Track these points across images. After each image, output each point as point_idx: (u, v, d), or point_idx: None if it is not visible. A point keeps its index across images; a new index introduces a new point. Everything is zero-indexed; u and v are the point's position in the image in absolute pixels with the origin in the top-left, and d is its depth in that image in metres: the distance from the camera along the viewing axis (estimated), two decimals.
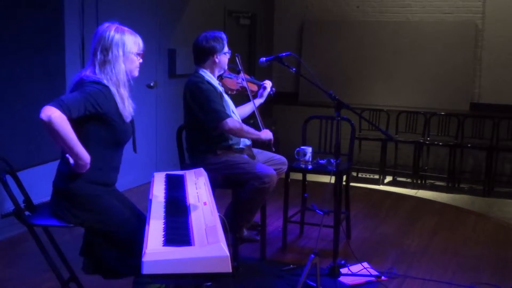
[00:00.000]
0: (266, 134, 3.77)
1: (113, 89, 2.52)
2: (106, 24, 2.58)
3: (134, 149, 2.77)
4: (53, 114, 2.26)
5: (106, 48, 2.53)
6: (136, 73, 2.66)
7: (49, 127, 2.28)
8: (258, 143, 3.84)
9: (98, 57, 2.53)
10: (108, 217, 2.53)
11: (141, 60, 2.67)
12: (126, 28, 2.61)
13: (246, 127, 3.63)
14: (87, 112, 2.42)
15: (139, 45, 2.64)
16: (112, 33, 2.54)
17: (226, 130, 3.55)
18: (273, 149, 3.86)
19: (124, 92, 2.57)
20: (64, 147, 2.37)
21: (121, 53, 2.55)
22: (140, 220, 2.61)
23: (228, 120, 3.51)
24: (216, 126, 3.53)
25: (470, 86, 7.20)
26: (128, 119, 2.60)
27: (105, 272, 2.63)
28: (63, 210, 2.53)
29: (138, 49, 2.63)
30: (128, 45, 2.57)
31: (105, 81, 2.51)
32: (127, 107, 2.58)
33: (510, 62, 6.98)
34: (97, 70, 2.53)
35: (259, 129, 3.77)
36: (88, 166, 2.45)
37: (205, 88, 3.55)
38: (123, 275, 2.61)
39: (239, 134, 3.63)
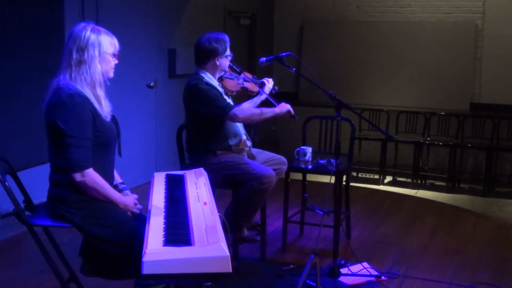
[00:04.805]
0: (282, 107, 3.68)
1: (87, 90, 2.50)
2: (82, 24, 2.56)
3: (119, 153, 2.76)
4: (82, 179, 2.44)
5: (82, 48, 2.50)
6: (111, 74, 2.63)
7: (85, 188, 2.47)
8: (280, 118, 3.74)
9: (74, 57, 2.50)
10: (105, 219, 2.51)
11: (116, 61, 2.63)
12: (102, 29, 2.59)
13: (255, 110, 3.60)
14: (92, 132, 2.48)
15: (115, 45, 2.61)
16: (88, 33, 2.52)
17: (238, 121, 3.57)
18: (297, 118, 3.75)
19: (100, 92, 2.55)
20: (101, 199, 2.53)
21: (97, 53, 2.52)
22: (139, 221, 2.61)
23: (235, 112, 3.50)
24: (224, 121, 3.55)
25: (470, 86, 7.20)
26: (107, 118, 2.58)
27: (104, 274, 2.62)
28: (60, 215, 2.53)
29: (114, 49, 2.60)
30: (104, 46, 2.55)
31: (78, 86, 2.48)
32: (104, 107, 2.57)
33: (510, 62, 6.98)
34: (72, 73, 2.50)
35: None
36: (130, 206, 2.60)
37: (204, 88, 3.55)
38: (123, 277, 2.60)
39: (253, 120, 3.60)
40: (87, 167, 2.45)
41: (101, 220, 2.50)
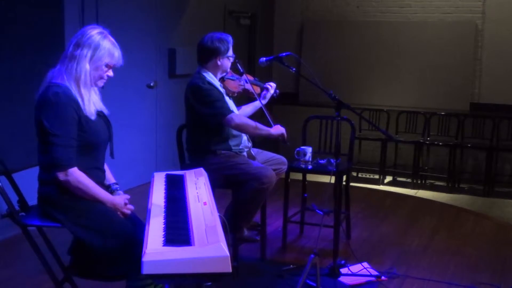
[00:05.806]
0: (277, 130, 3.69)
1: (73, 87, 2.47)
2: (95, 26, 2.55)
3: (111, 154, 2.73)
4: (65, 179, 2.42)
5: (79, 44, 2.48)
6: (100, 84, 2.57)
7: (69, 187, 2.45)
8: (272, 140, 3.76)
9: (69, 50, 2.49)
10: (89, 219, 2.47)
11: (110, 74, 2.57)
12: (111, 38, 2.54)
13: (252, 122, 3.61)
14: (77, 131, 2.46)
15: (115, 57, 2.54)
16: (93, 33, 2.49)
17: (232, 126, 3.56)
18: (288, 144, 3.75)
19: (85, 92, 2.50)
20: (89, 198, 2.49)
21: (89, 54, 2.48)
22: (132, 222, 2.58)
23: (233, 116, 3.51)
24: (221, 123, 3.53)
25: (470, 86, 7.20)
26: (92, 116, 2.52)
27: (93, 275, 2.59)
28: (49, 214, 2.52)
29: (111, 60, 2.53)
30: (101, 51, 2.49)
31: (66, 81, 2.46)
32: (90, 104, 2.51)
33: (510, 62, 6.98)
34: (63, 66, 2.48)
35: (270, 126, 3.72)
36: (119, 205, 2.54)
37: (206, 87, 3.56)
38: (112, 278, 2.57)
39: (246, 129, 3.61)
40: (71, 166, 2.43)
41: (84, 219, 2.47)
